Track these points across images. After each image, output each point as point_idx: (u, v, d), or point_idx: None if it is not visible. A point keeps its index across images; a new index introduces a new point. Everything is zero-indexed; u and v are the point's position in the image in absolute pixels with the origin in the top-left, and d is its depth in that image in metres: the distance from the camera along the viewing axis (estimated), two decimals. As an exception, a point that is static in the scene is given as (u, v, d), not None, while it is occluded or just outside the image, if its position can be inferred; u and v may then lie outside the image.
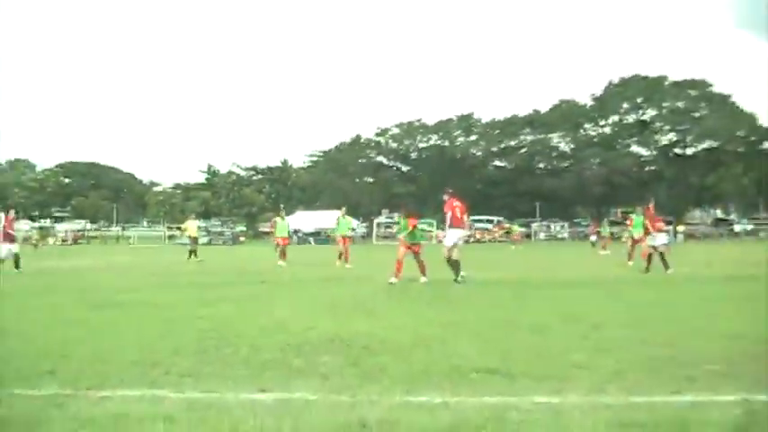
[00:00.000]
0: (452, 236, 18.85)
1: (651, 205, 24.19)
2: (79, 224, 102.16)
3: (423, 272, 18.50)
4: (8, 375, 7.10)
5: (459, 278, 18.07)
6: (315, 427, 5.19)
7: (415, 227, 19.51)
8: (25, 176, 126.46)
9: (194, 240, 34.35)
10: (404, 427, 5.16)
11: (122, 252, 50.93)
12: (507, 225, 76.73)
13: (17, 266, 24.33)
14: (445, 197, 19.36)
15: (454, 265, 18.46)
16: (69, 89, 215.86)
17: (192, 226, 35.27)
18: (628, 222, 29.30)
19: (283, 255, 28.79)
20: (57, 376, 7.09)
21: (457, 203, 18.97)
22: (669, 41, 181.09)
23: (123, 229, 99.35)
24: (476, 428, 5.14)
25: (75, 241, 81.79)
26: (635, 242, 26.74)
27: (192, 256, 32.32)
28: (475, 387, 6.48)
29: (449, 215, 18.88)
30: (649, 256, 22.32)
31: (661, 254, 22.05)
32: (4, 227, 25.33)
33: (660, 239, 22.62)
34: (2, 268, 23.75)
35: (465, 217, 19.34)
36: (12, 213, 26.50)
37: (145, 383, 6.77)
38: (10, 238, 25.12)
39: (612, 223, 54.52)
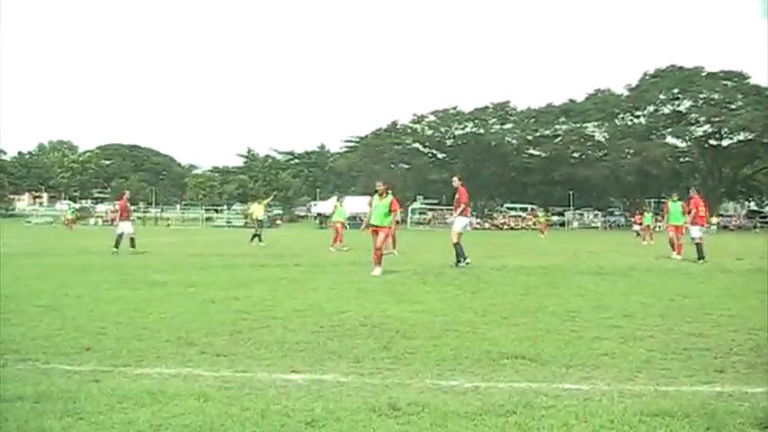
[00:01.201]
0: (462, 222, 18.96)
1: (697, 194, 23.98)
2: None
3: (378, 261, 16.90)
4: (49, 351, 7.26)
5: (464, 262, 18.37)
6: (346, 409, 5.24)
7: (395, 211, 18.18)
8: (67, 158, 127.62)
9: (260, 224, 33.87)
10: (434, 411, 5.19)
11: (161, 233, 51.33)
12: (540, 213, 76.24)
13: (116, 246, 24.72)
14: (458, 184, 19.33)
15: (460, 249, 18.65)
16: (112, 72, 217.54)
17: (258, 209, 34.98)
18: (664, 210, 26.75)
19: (339, 240, 28.20)
20: (95, 353, 7.24)
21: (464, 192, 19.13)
22: (691, 31, 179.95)
23: (162, 210, 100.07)
24: (505, 413, 5.16)
25: (114, 222, 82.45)
26: (677, 231, 24.21)
27: (257, 240, 31.90)
28: (505, 372, 6.53)
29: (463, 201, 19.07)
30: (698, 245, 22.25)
31: (698, 244, 22.08)
32: (121, 207, 26.42)
33: (697, 231, 22.58)
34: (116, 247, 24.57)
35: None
36: (127, 194, 27.75)
37: (180, 362, 6.89)
38: (127, 218, 25.96)
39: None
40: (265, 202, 37.21)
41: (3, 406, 5.20)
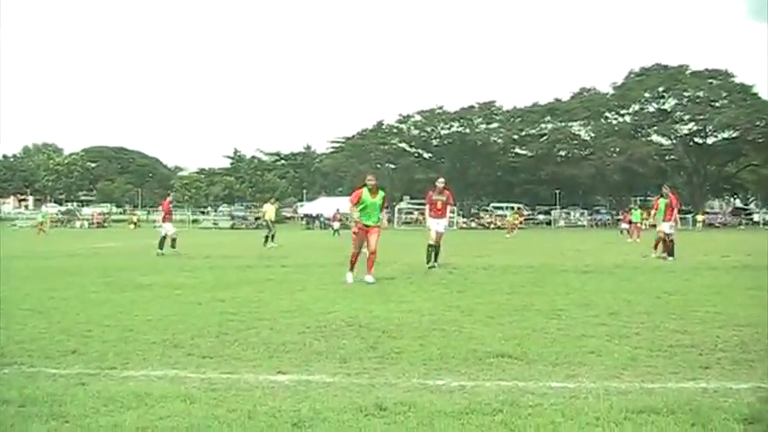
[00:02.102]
0: (447, 223, 19.15)
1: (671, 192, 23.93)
2: (105, 208, 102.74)
3: (371, 266, 15.13)
4: (34, 354, 7.24)
5: (436, 264, 18.36)
6: (333, 409, 5.24)
7: (386, 208, 16.58)
8: (53, 160, 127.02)
9: (272, 225, 33.33)
10: (421, 410, 5.20)
11: (147, 236, 51.09)
12: (526, 212, 76.08)
13: (173, 246, 25.35)
14: (444, 185, 19.18)
15: (437, 250, 18.71)
16: (95, 73, 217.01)
17: (270, 210, 34.66)
18: (654, 207, 24.77)
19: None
20: (80, 356, 7.22)
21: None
22: (676, 30, 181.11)
23: (148, 213, 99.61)
24: (492, 412, 5.18)
25: (100, 224, 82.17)
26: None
27: (270, 241, 31.46)
28: (491, 371, 6.55)
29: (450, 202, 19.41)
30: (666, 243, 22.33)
31: (671, 241, 22.17)
32: (164, 209, 27.07)
33: (669, 227, 22.66)
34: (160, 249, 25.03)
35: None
36: (171, 197, 28.60)
37: (167, 364, 6.88)
38: (170, 220, 26.56)
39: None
40: (277, 203, 36.70)
41: (-12, 410, 5.19)
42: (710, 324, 9.01)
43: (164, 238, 25.51)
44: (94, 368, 6.65)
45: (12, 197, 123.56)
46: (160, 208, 29.88)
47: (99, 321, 9.31)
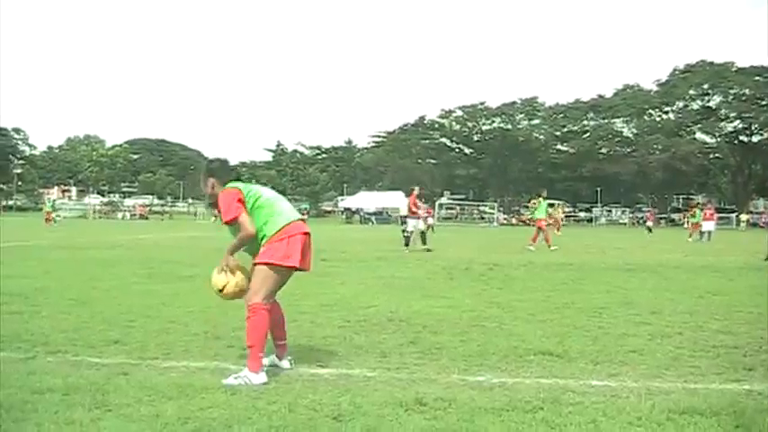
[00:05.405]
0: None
1: None
2: (147, 200, 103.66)
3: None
4: (78, 343, 7.31)
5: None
6: (373, 403, 5.23)
7: None
8: (96, 152, 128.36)
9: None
10: (461, 406, 5.17)
11: (188, 228, 51.46)
12: (567, 209, 75.71)
13: (424, 242, 24.66)
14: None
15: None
16: (139, 65, 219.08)
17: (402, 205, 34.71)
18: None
19: (545, 239, 26.72)
20: (123, 346, 7.28)
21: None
22: (722, 26, 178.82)
23: (189, 205, 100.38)
24: (532, 409, 5.13)
25: (143, 216, 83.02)
26: None
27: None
28: (531, 368, 6.50)
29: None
30: None
31: None
32: (411, 203, 25.95)
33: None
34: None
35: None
36: (416, 191, 26.42)
37: (208, 355, 6.92)
38: (416, 215, 25.60)
39: (675, 210, 53.47)
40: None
41: (33, 397, 5.24)
42: (755, 325, 8.88)
43: (423, 233, 25.10)
44: (136, 358, 6.70)
45: (55, 188, 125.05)
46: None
47: (141, 312, 9.38)
